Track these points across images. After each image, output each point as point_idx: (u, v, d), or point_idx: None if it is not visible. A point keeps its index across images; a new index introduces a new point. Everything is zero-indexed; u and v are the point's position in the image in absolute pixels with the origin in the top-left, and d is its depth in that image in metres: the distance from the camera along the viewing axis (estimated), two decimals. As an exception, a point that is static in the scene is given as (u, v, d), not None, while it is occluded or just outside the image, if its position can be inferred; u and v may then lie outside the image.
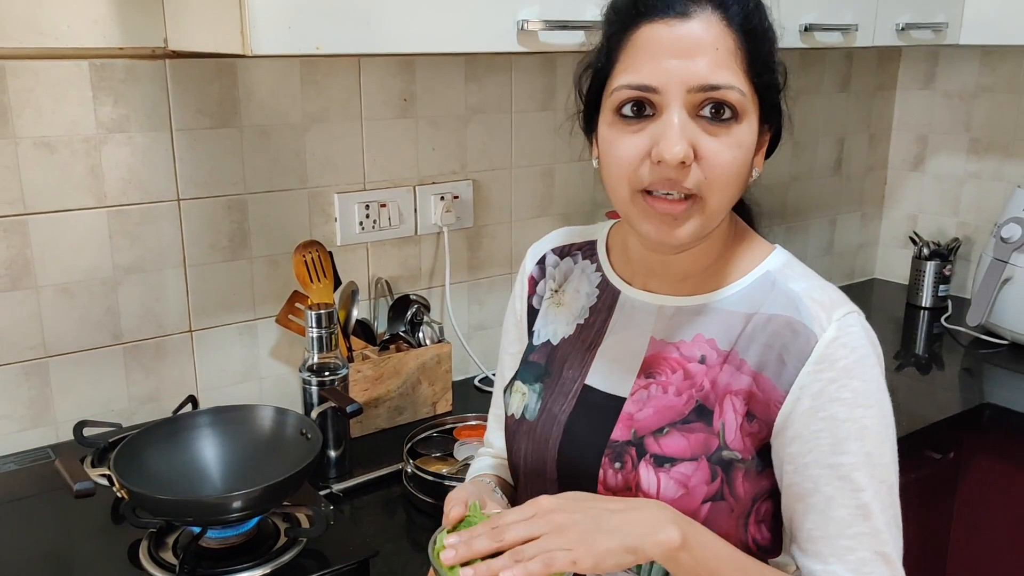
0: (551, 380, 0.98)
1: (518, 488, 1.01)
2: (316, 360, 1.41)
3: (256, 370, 1.59)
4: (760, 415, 0.85)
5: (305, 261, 1.48)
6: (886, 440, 0.85)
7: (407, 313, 1.66)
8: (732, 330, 0.89)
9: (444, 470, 1.34)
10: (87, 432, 1.35)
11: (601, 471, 0.89)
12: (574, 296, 1.01)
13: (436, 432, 1.48)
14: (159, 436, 1.11)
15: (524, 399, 0.99)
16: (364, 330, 1.65)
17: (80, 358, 1.42)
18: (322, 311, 1.39)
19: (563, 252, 1.06)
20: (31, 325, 1.37)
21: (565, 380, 0.97)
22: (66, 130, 1.34)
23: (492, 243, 1.84)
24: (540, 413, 0.97)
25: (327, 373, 1.40)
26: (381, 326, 1.70)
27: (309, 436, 1.13)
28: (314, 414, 1.21)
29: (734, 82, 0.80)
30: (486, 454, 1.13)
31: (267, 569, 1.03)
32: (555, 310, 1.03)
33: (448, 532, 0.85)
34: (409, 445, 1.42)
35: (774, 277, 0.90)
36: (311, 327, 1.39)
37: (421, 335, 1.66)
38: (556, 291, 1.04)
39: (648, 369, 0.92)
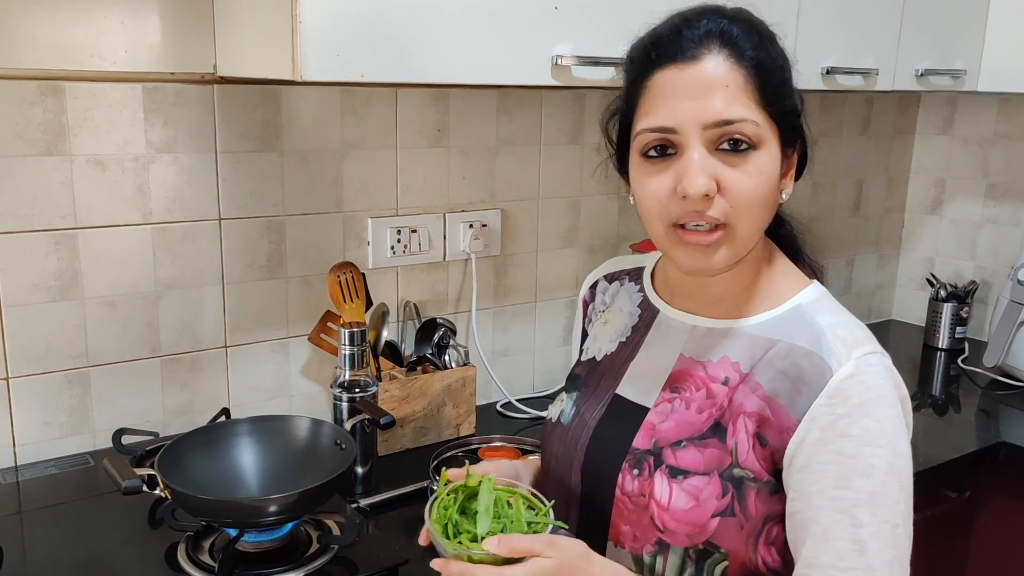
0: (588, 390, 1.04)
1: (545, 489, 1.05)
2: (347, 377, 1.45)
3: (287, 387, 1.64)
4: (772, 440, 0.88)
5: (339, 281, 1.53)
6: (895, 481, 0.85)
7: (434, 336, 1.71)
8: (755, 354, 0.92)
9: (469, 487, 1.37)
10: (125, 440, 1.40)
11: (620, 476, 0.94)
12: (618, 315, 1.07)
13: (461, 452, 1.51)
14: (199, 442, 1.16)
15: (562, 405, 1.07)
16: (392, 351, 1.69)
17: (120, 369, 1.47)
18: (355, 329, 1.43)
19: (612, 278, 1.13)
20: (76, 335, 1.42)
21: (600, 390, 1.03)
22: (118, 149, 1.40)
23: (518, 271, 1.88)
24: (573, 418, 1.03)
25: (357, 390, 1.44)
26: (408, 348, 1.75)
27: (343, 447, 1.16)
28: (348, 424, 1.25)
29: (747, 115, 0.85)
30: None
31: (300, 574, 1.06)
32: (602, 329, 1.09)
33: (448, 493, 0.90)
34: (435, 463, 1.45)
35: (804, 310, 0.93)
36: (344, 344, 1.44)
37: (447, 358, 1.70)
38: (604, 311, 1.11)
39: (674, 383, 0.96)
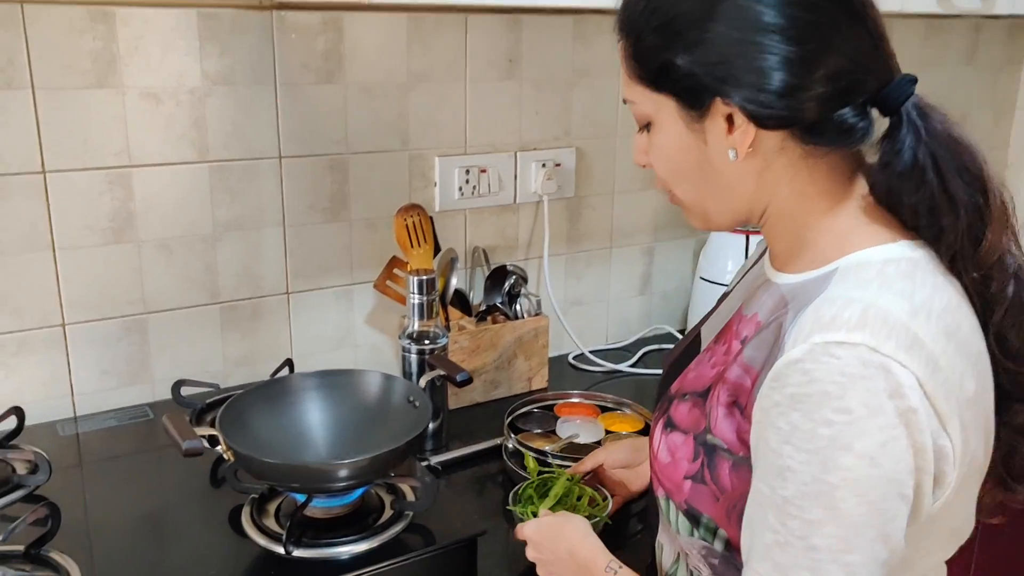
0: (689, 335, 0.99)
1: None
2: (416, 328, 1.35)
3: (351, 336, 1.55)
4: (747, 413, 0.76)
5: (407, 225, 1.43)
6: (817, 499, 0.67)
7: (504, 284, 1.60)
8: (772, 316, 0.79)
9: (547, 448, 1.27)
10: (185, 391, 1.33)
11: (655, 416, 0.91)
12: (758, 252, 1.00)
13: (536, 408, 1.42)
14: (263, 397, 1.07)
15: None
16: (460, 300, 1.59)
17: (178, 316, 1.39)
18: (424, 277, 1.33)
19: None
20: (132, 280, 1.34)
21: (693, 328, 0.98)
22: (172, 81, 1.30)
23: (593, 215, 1.76)
24: (666, 359, 0.99)
25: (427, 341, 1.35)
26: (477, 296, 1.65)
27: (417, 404, 1.07)
28: (422, 382, 1.16)
29: (629, 95, 0.82)
30: None
31: (373, 543, 0.98)
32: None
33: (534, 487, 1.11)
34: (509, 419, 1.36)
35: (835, 276, 0.76)
36: (413, 293, 1.34)
37: (518, 307, 1.60)
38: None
39: (721, 335, 0.88)
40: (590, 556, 0.91)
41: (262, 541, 0.98)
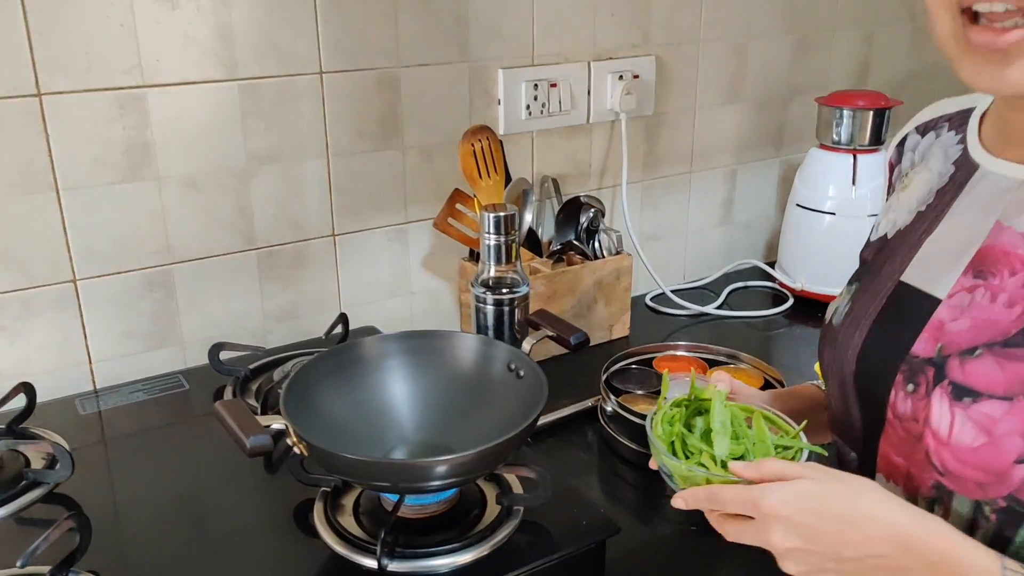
0: (867, 278, 0.77)
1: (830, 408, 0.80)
2: (492, 274, 1.14)
3: (406, 282, 1.34)
4: None
5: (474, 151, 1.20)
6: None
7: (579, 218, 1.38)
8: None
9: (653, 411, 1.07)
10: (224, 356, 1.12)
11: (892, 392, 0.69)
12: (924, 177, 0.77)
13: (635, 364, 1.21)
14: (333, 369, 0.87)
15: (838, 302, 0.80)
16: (530, 238, 1.37)
17: (209, 266, 1.18)
18: (502, 214, 1.11)
19: (927, 128, 0.82)
20: (153, 225, 1.12)
21: (881, 277, 0.75)
22: (190, -20, 1.06)
23: (672, 135, 1.53)
24: (845, 317, 0.76)
25: (504, 291, 1.14)
26: (546, 233, 1.43)
27: (521, 373, 0.87)
28: (526, 346, 0.95)
29: None
30: None
31: (481, 551, 0.79)
32: (900, 197, 0.79)
33: (672, 407, 0.76)
34: (605, 376, 1.16)
35: None
36: (488, 233, 1.12)
37: (596, 245, 1.38)
38: (907, 174, 0.80)
39: (979, 265, 0.67)
40: (946, 547, 0.59)
41: (342, 550, 0.79)
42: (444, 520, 0.82)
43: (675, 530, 0.94)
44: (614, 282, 1.38)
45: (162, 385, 1.12)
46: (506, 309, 1.14)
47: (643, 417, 1.04)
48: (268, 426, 0.74)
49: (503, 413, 0.84)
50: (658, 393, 1.14)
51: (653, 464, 0.74)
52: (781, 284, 1.58)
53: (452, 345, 0.91)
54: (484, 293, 1.14)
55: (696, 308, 1.51)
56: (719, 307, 1.53)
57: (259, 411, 0.94)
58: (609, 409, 1.10)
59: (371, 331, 1.28)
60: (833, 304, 0.80)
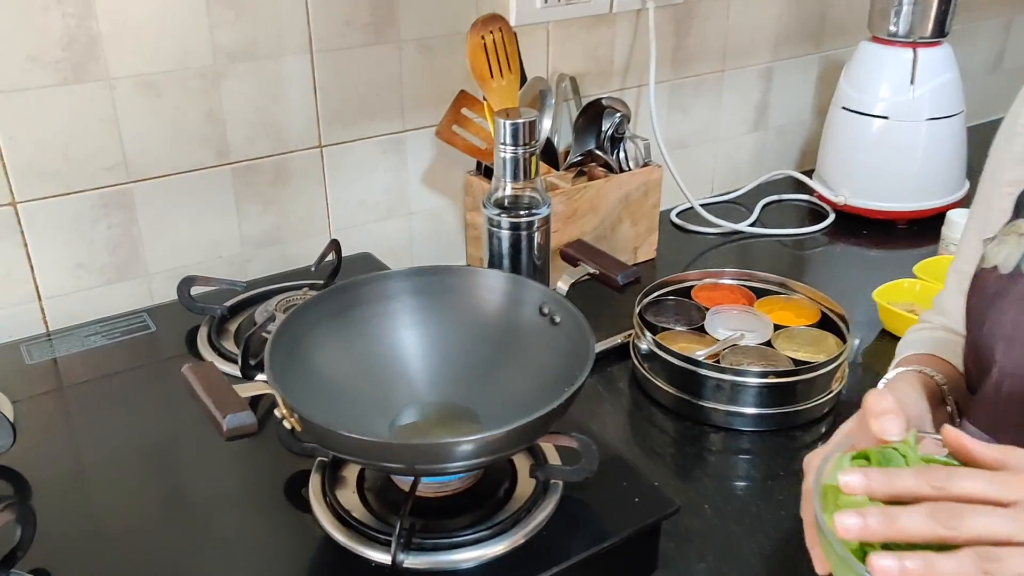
0: None
1: (980, 386, 0.60)
2: (508, 191, 0.98)
3: (404, 202, 1.17)
4: None
5: (484, 44, 1.01)
6: None
7: (602, 124, 1.20)
8: None
9: (698, 352, 0.93)
10: (196, 292, 0.96)
11: None
12: None
13: (672, 295, 1.06)
14: (328, 314, 0.71)
15: (996, 249, 0.60)
16: (545, 148, 1.20)
17: (174, 184, 1.00)
18: (519, 121, 0.94)
19: None
20: (106, 137, 0.94)
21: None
22: None
23: (704, 27, 1.34)
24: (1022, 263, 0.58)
25: (522, 212, 0.98)
26: (563, 141, 1.25)
27: (557, 319, 0.71)
28: (563, 286, 0.79)
29: None
30: (924, 327, 0.76)
31: (516, 538, 0.65)
32: None
33: (852, 459, 0.48)
34: (638, 308, 1.00)
35: None
36: (503, 144, 0.95)
37: (621, 155, 1.21)
38: None
39: None
40: None
41: (344, 539, 0.65)
42: (468, 499, 0.68)
43: (719, 487, 0.81)
44: (641, 198, 1.21)
45: (124, 327, 0.96)
46: (523, 234, 0.98)
47: (686, 359, 0.90)
48: (251, 398, 0.58)
49: (535, 367, 0.70)
50: (700, 329, 0.99)
51: (820, 568, 0.49)
52: (820, 197, 1.42)
53: (472, 284, 0.75)
54: (498, 215, 0.98)
55: (728, 225, 1.35)
56: (752, 224, 1.37)
57: (240, 360, 0.78)
58: (644, 348, 0.95)
59: (367, 260, 1.12)
60: (1008, 251, 0.60)
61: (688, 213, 1.38)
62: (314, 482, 0.70)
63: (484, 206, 0.99)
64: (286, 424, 0.61)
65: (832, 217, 1.38)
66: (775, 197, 1.46)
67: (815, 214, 1.41)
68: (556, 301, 0.72)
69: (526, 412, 0.58)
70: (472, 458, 0.60)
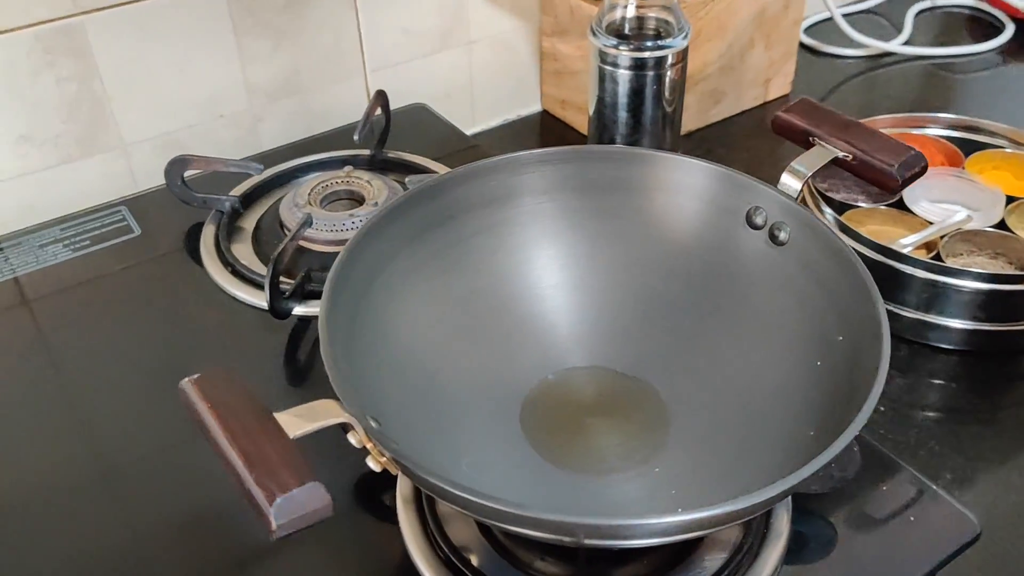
0: None
1: None
2: (631, 13, 0.67)
3: (460, 27, 0.86)
4: None
5: None
6: None
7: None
8: None
9: (902, 241, 0.65)
10: (190, 176, 0.67)
11: None
12: None
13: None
14: (417, 228, 0.42)
15: None
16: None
17: (145, 13, 0.69)
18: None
19: None
20: (30, -56, 0.63)
21: None
22: None
23: None
24: None
25: (648, 43, 0.68)
26: (671, -65, 0.91)
27: (783, 238, 0.44)
28: (793, 182, 0.49)
29: None
30: None
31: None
32: None
33: None
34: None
35: None
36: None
37: (754, -47, 0.88)
38: None
39: None
40: None
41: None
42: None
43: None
44: (780, 13, 0.90)
45: (94, 229, 0.67)
46: (650, 75, 0.69)
47: (883, 250, 0.62)
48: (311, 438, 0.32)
49: (759, 322, 0.42)
50: (897, 204, 0.71)
51: None
52: (994, 2, 1.09)
53: (649, 176, 0.46)
54: (616, 46, 0.68)
55: (877, 45, 1.03)
56: (906, 43, 1.05)
57: (267, 285, 0.51)
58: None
59: (423, 115, 0.82)
60: None
61: (824, 28, 1.06)
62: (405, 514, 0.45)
63: (594, 34, 0.69)
64: (371, 464, 0.35)
65: (1011, 29, 1.06)
66: (928, 4, 1.13)
67: (984, 26, 1.09)
68: (789, 211, 0.43)
69: (741, 398, 0.32)
70: (673, 534, 0.35)
